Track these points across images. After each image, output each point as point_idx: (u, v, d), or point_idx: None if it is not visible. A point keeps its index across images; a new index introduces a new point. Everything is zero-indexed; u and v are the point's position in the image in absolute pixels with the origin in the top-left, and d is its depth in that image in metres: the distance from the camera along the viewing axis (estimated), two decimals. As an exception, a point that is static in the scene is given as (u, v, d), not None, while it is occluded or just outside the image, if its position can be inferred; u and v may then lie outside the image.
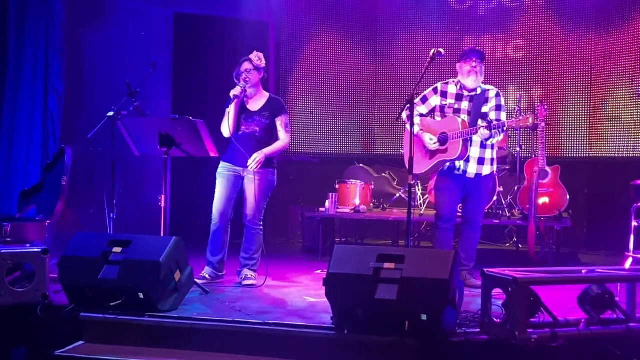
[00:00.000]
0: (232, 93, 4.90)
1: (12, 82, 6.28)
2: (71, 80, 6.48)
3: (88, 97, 6.51)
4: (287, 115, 5.08)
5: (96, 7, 6.78)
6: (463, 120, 4.91)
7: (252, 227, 5.03)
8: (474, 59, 4.95)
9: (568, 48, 7.66)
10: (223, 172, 5.02)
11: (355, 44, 8.31)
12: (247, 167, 4.92)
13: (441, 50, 4.57)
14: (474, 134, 4.82)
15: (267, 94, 5.12)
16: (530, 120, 4.70)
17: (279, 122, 5.01)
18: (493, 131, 4.78)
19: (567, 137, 7.64)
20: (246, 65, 4.98)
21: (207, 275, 4.96)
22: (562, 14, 7.67)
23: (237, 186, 5.02)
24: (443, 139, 4.95)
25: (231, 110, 4.91)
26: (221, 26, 7.59)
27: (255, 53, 5.04)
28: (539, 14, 7.79)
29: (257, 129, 4.96)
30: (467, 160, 4.96)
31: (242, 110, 5.01)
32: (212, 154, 4.57)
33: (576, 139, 7.62)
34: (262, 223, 5.09)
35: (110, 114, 4.80)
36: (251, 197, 4.97)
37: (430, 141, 4.97)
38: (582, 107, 7.60)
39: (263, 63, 5.04)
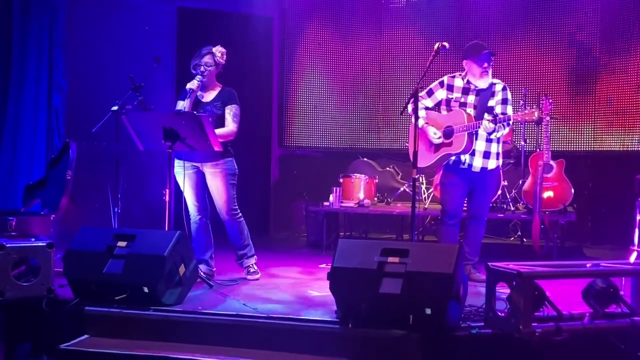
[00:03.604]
0: (189, 86, 4.82)
1: (16, 79, 6.29)
2: (75, 76, 6.49)
3: (92, 92, 6.51)
4: (238, 106, 4.93)
5: (100, 3, 6.78)
6: (469, 114, 4.90)
7: (230, 220, 4.99)
8: (486, 62, 4.91)
9: (574, 42, 7.62)
10: (182, 171, 4.87)
11: (359, 38, 8.29)
12: (203, 161, 4.87)
13: (445, 44, 4.56)
14: (479, 127, 4.80)
15: (220, 85, 5.01)
16: (536, 114, 4.69)
17: (228, 111, 4.88)
18: (498, 125, 4.76)
19: (571, 131, 7.62)
20: (207, 59, 4.88)
21: (201, 273, 4.82)
22: (570, 8, 7.64)
23: (201, 181, 4.96)
24: (448, 133, 4.94)
25: (187, 104, 4.81)
26: (225, 21, 7.59)
27: (219, 48, 4.91)
28: (546, 9, 7.75)
29: (210, 119, 4.82)
30: (473, 154, 4.95)
31: (194, 102, 4.90)
32: (216, 149, 4.56)
33: (581, 133, 7.60)
34: (238, 211, 5.02)
35: (115, 108, 4.80)
36: (218, 194, 4.92)
37: (435, 135, 4.97)
38: (587, 101, 7.58)
39: (224, 60, 4.93)
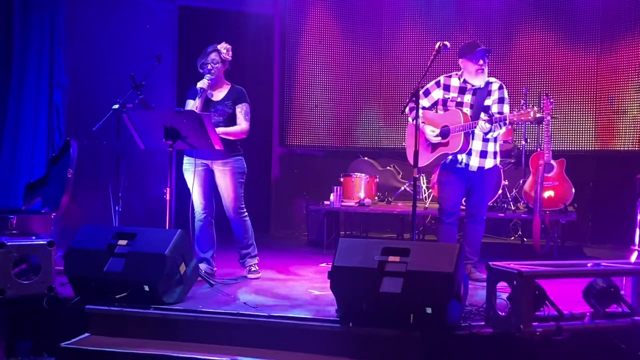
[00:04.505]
0: (199, 85, 4.82)
1: (17, 76, 6.29)
2: (76, 74, 6.50)
3: (93, 90, 6.52)
4: (248, 105, 4.94)
5: (101, 1, 6.78)
6: (465, 113, 4.89)
7: (236, 218, 5.00)
8: (481, 59, 4.91)
9: (574, 42, 7.62)
10: (191, 168, 4.88)
11: (360, 37, 8.29)
12: (214, 159, 4.89)
13: (447, 43, 4.55)
14: (475, 127, 4.80)
15: (229, 84, 5.01)
16: (532, 114, 4.65)
17: (239, 110, 4.90)
18: (494, 124, 4.75)
19: (572, 130, 7.62)
20: (213, 56, 4.88)
21: (203, 271, 4.82)
22: (569, 8, 7.64)
23: (209, 178, 4.97)
24: (445, 132, 4.94)
25: (198, 103, 4.81)
26: (226, 19, 7.59)
27: (224, 44, 4.91)
28: (546, 9, 7.75)
29: (221, 118, 4.84)
30: (469, 154, 4.94)
31: (205, 101, 4.90)
32: (217, 147, 4.56)
33: (582, 133, 7.60)
34: (245, 210, 5.04)
35: (116, 106, 4.80)
36: (226, 191, 4.93)
37: (432, 133, 4.96)
38: (588, 101, 7.58)
39: (230, 56, 4.93)
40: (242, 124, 4.89)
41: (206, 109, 4.86)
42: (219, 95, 4.96)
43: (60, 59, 6.36)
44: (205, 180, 4.96)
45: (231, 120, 4.90)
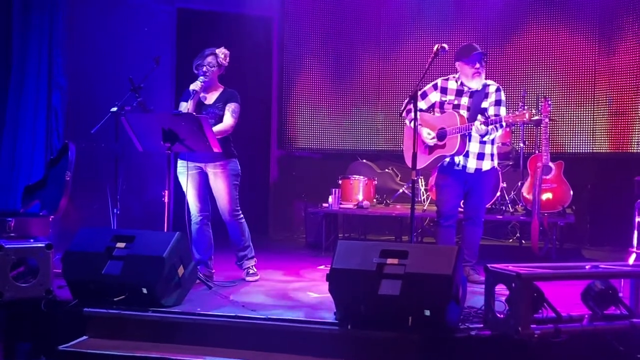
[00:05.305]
0: (192, 87, 4.81)
1: (16, 77, 6.28)
2: (75, 76, 6.49)
3: (91, 93, 6.51)
4: (238, 105, 4.92)
5: (100, 2, 6.78)
6: (461, 116, 4.89)
7: (232, 220, 4.99)
8: (477, 62, 4.91)
9: (572, 44, 7.63)
10: (185, 171, 4.89)
11: (358, 40, 8.29)
12: (207, 162, 4.88)
13: (445, 45, 4.55)
14: (471, 129, 4.80)
15: (222, 87, 5.01)
16: (527, 115, 4.66)
17: (227, 108, 4.88)
18: (490, 127, 4.76)
19: (570, 132, 7.63)
20: (210, 59, 4.88)
21: (200, 274, 4.77)
22: (567, 10, 7.65)
23: (204, 181, 4.96)
24: (441, 134, 4.94)
25: (190, 105, 4.81)
26: (224, 21, 7.59)
27: (222, 49, 4.92)
28: (544, 11, 7.76)
29: (212, 121, 4.81)
30: (467, 156, 4.95)
31: (197, 104, 4.90)
32: (215, 150, 4.56)
33: (580, 135, 7.60)
34: (240, 212, 5.03)
35: (114, 109, 4.79)
36: (221, 194, 4.93)
37: (428, 135, 4.97)
38: (586, 103, 7.59)
39: (227, 62, 4.93)
40: (227, 120, 4.86)
41: (198, 111, 4.85)
42: (211, 98, 4.96)
43: (59, 61, 6.36)
44: (200, 183, 4.96)
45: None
